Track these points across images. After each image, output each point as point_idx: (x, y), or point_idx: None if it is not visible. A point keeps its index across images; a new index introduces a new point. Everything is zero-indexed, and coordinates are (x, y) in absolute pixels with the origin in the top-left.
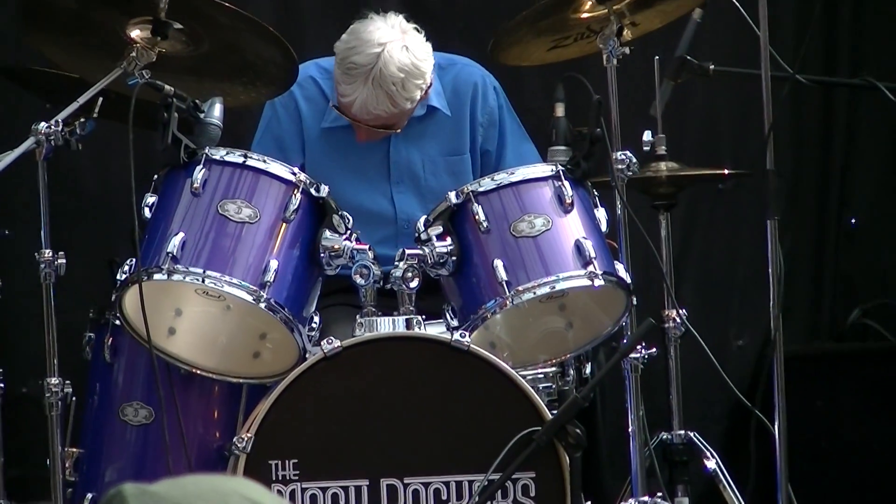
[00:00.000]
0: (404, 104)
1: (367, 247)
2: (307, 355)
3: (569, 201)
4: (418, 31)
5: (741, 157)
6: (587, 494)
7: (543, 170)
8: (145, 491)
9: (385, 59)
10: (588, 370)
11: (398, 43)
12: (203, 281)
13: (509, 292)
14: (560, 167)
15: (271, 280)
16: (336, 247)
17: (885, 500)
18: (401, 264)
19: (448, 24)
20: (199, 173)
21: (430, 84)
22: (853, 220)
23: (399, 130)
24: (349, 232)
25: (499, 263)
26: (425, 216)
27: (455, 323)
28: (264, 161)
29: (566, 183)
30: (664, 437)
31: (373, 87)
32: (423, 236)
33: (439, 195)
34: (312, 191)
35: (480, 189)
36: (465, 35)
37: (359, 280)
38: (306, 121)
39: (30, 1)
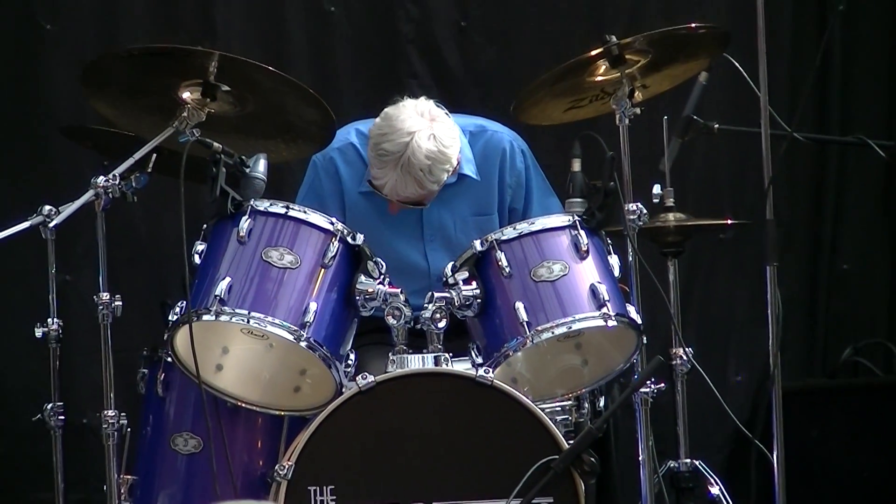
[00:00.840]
0: (431, 187)
1: (398, 290)
2: (343, 389)
3: (584, 249)
4: (442, 110)
5: (739, 208)
6: None
7: (561, 220)
8: None
9: (413, 147)
10: (601, 403)
11: (426, 132)
12: (248, 321)
13: (529, 332)
14: (576, 217)
15: (311, 321)
16: (370, 290)
17: None
18: (430, 306)
19: (471, 89)
20: (244, 223)
21: (458, 164)
22: (845, 266)
23: (427, 205)
24: (382, 277)
25: (520, 305)
26: (452, 262)
27: (479, 360)
28: (304, 212)
29: (582, 232)
30: (671, 465)
31: (401, 172)
32: (451, 280)
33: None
34: (349, 239)
35: (503, 237)
36: (486, 99)
37: (391, 321)
38: (346, 183)
39: (91, 66)
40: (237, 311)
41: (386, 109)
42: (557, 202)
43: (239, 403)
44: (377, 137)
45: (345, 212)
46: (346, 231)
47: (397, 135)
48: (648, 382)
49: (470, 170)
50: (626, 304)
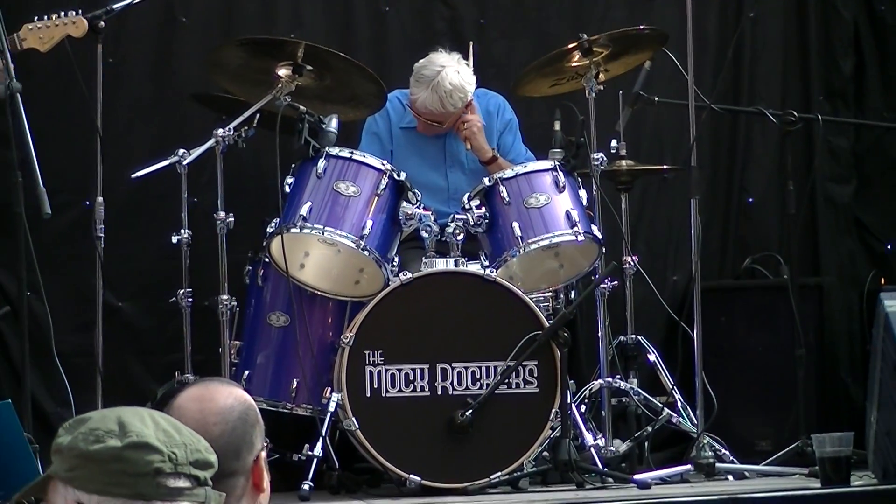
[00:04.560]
0: (449, 108)
1: (430, 212)
2: (390, 283)
3: (562, 185)
4: (468, 66)
5: (677, 157)
6: (570, 376)
7: (545, 164)
8: (98, 411)
9: (442, 75)
10: (572, 295)
11: (453, 68)
12: (323, 234)
13: (522, 244)
14: (557, 162)
15: (367, 233)
16: (410, 213)
17: (765, 385)
18: (451, 224)
19: (487, 69)
20: (321, 163)
21: (471, 101)
22: (750, 199)
23: (445, 127)
24: (419, 203)
25: (516, 225)
26: (468, 193)
27: (486, 263)
28: (363, 156)
29: (560, 173)
30: (621, 339)
31: (431, 91)
32: (467, 206)
33: (476, 174)
34: (395, 175)
35: (504, 176)
36: (498, 76)
37: (424, 234)
38: (392, 120)
39: (214, 51)
40: (315, 226)
41: (429, 54)
42: (524, 146)
43: (316, 292)
44: (419, 67)
45: (393, 142)
46: (393, 169)
47: (433, 66)
48: (606, 280)
49: (480, 114)
50: (592, 225)
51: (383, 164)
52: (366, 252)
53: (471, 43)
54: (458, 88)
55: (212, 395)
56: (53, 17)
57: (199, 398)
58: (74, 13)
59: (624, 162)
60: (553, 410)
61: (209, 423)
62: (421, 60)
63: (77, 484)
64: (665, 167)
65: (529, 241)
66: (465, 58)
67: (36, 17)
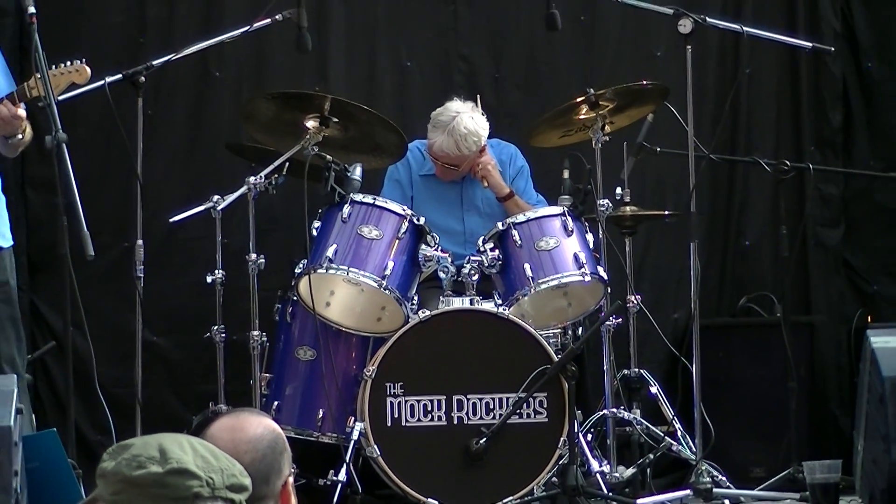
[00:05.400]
0: (465, 151)
1: (447, 254)
2: (409, 320)
3: (570, 229)
4: (483, 114)
5: (678, 203)
6: (578, 406)
7: (555, 210)
8: (139, 438)
9: (458, 120)
10: (580, 331)
11: (468, 114)
12: (347, 274)
13: (533, 284)
14: (565, 208)
15: (389, 274)
16: (428, 254)
17: (760, 415)
18: (467, 265)
19: (502, 120)
20: (346, 209)
21: (485, 147)
22: (746, 243)
23: (461, 170)
24: (437, 245)
25: (527, 266)
26: (483, 236)
27: (500, 302)
28: (385, 202)
29: (569, 218)
30: (625, 372)
31: (447, 136)
32: (481, 248)
33: (491, 218)
34: (415, 220)
35: (517, 221)
36: (512, 126)
37: (441, 275)
38: (412, 168)
39: (246, 103)
40: (340, 267)
41: (446, 103)
42: (535, 191)
43: (341, 328)
44: (436, 114)
45: (413, 188)
46: (413, 215)
47: (449, 112)
48: (611, 318)
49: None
50: (598, 266)
51: (404, 210)
52: (387, 291)
53: (477, 96)
54: (473, 133)
55: (242, 425)
56: (60, 66)
57: (231, 428)
58: (79, 62)
59: (628, 208)
60: (561, 439)
61: (241, 452)
62: (438, 108)
63: None
64: (666, 213)
65: (540, 281)
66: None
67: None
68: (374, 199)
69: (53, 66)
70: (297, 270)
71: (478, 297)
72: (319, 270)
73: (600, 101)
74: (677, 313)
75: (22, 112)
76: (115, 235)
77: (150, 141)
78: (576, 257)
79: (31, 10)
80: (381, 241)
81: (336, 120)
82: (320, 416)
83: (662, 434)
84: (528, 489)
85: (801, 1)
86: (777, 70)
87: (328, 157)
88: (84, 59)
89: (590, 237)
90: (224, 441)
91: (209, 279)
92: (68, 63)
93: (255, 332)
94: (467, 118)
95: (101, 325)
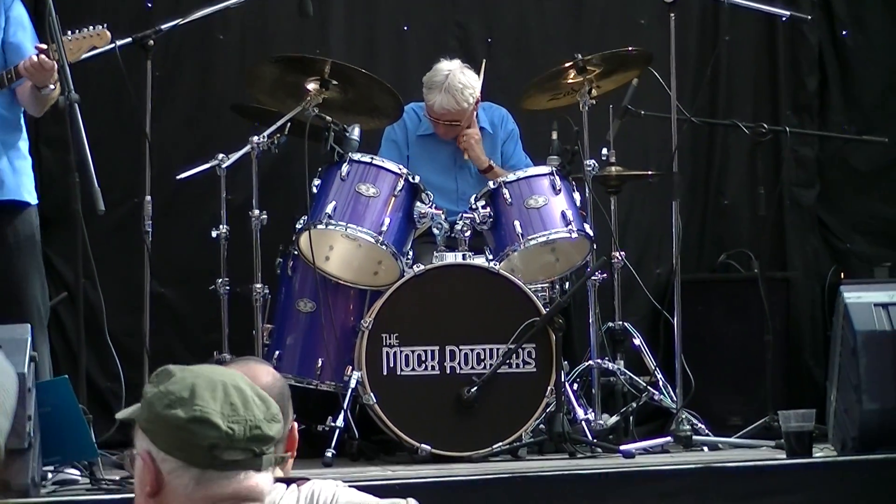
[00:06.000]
0: (462, 105)
1: (441, 212)
2: (405, 274)
3: (558, 188)
4: (471, 69)
5: (661, 164)
6: (564, 357)
7: (544, 169)
8: (183, 368)
9: (451, 75)
10: (567, 286)
11: (459, 69)
12: (346, 230)
13: (523, 240)
14: (554, 168)
15: (385, 230)
16: (423, 212)
17: (737, 366)
18: (460, 222)
19: (494, 82)
20: (344, 167)
21: (478, 100)
22: (725, 202)
23: (463, 125)
24: (431, 203)
25: (517, 223)
26: (475, 194)
27: (491, 257)
28: (382, 161)
29: (557, 177)
30: (610, 325)
31: (444, 93)
32: (473, 206)
33: (482, 178)
34: (410, 178)
35: (507, 180)
36: (503, 90)
37: (435, 231)
38: (408, 128)
39: (248, 71)
40: (339, 223)
41: (435, 65)
42: (524, 153)
43: (339, 281)
44: (428, 77)
45: (409, 148)
46: (408, 173)
47: (440, 72)
48: (597, 273)
49: (486, 125)
50: (584, 223)
51: (400, 169)
52: (384, 247)
53: (483, 61)
54: (467, 86)
55: (254, 373)
56: (83, 31)
57: (243, 377)
58: (101, 26)
59: (613, 168)
60: (549, 388)
61: None
62: (428, 73)
63: (150, 437)
64: (650, 173)
65: (529, 237)
66: (478, 73)
67: (68, 32)
68: (372, 158)
69: (77, 31)
70: (298, 226)
71: (470, 253)
72: (319, 226)
73: (587, 67)
74: (659, 269)
75: (52, 62)
76: (125, 192)
77: (158, 102)
78: (563, 215)
79: None
80: (378, 199)
81: (336, 83)
82: (319, 365)
83: (645, 384)
84: (517, 435)
85: None
86: (755, 37)
87: (328, 118)
88: (105, 25)
89: (577, 196)
90: None
91: (214, 234)
92: (90, 28)
93: (258, 285)
94: (459, 73)
95: (111, 277)
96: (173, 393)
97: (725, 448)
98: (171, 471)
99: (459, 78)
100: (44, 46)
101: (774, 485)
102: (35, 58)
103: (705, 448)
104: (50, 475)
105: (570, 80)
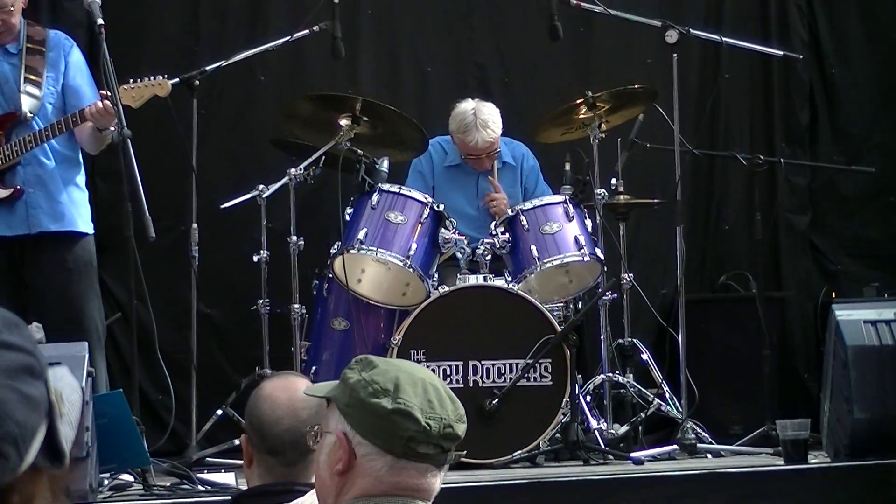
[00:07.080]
0: (497, 132)
1: (464, 238)
2: (431, 294)
3: (571, 215)
4: (483, 101)
5: (665, 192)
6: (578, 371)
7: (558, 198)
8: (385, 360)
9: (477, 114)
10: (580, 305)
11: (479, 106)
12: (377, 254)
13: (539, 263)
14: (567, 197)
15: (413, 254)
16: (447, 237)
17: (737, 379)
18: (481, 247)
19: (511, 118)
20: (375, 197)
21: (500, 151)
22: (725, 227)
23: (496, 149)
24: (454, 229)
25: (534, 248)
26: (495, 221)
27: (509, 279)
28: (409, 190)
29: (570, 205)
30: (620, 341)
31: (480, 129)
32: (493, 232)
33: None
34: (435, 207)
35: (524, 208)
36: (520, 126)
37: (459, 255)
38: (434, 162)
39: (286, 108)
40: (370, 248)
41: (453, 110)
42: (547, 187)
43: (370, 301)
44: (458, 122)
45: (434, 179)
46: (434, 202)
47: (466, 113)
48: (607, 293)
49: (509, 159)
50: (595, 248)
51: (426, 198)
52: (411, 269)
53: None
54: (491, 116)
55: (295, 386)
56: (144, 80)
57: (286, 388)
58: (162, 77)
59: (622, 196)
60: (564, 400)
61: (298, 409)
62: (453, 119)
63: (349, 420)
64: (655, 201)
65: (545, 261)
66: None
67: (130, 80)
68: (400, 188)
69: (140, 80)
70: (332, 251)
71: (490, 275)
72: (352, 251)
73: (597, 103)
74: (665, 289)
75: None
76: (174, 220)
77: (203, 137)
78: (576, 240)
79: (100, 21)
80: (406, 226)
81: (366, 118)
82: None
83: (652, 396)
84: (535, 444)
85: (773, 14)
86: (752, 75)
87: (359, 151)
88: (166, 75)
89: (588, 222)
90: (282, 400)
91: (255, 258)
92: (153, 77)
93: (296, 305)
94: (482, 108)
95: (161, 298)
96: (378, 383)
97: (727, 455)
98: (365, 454)
99: (483, 113)
100: (106, 93)
101: (773, 489)
102: (100, 104)
103: (709, 455)
104: (106, 482)
105: (581, 116)
